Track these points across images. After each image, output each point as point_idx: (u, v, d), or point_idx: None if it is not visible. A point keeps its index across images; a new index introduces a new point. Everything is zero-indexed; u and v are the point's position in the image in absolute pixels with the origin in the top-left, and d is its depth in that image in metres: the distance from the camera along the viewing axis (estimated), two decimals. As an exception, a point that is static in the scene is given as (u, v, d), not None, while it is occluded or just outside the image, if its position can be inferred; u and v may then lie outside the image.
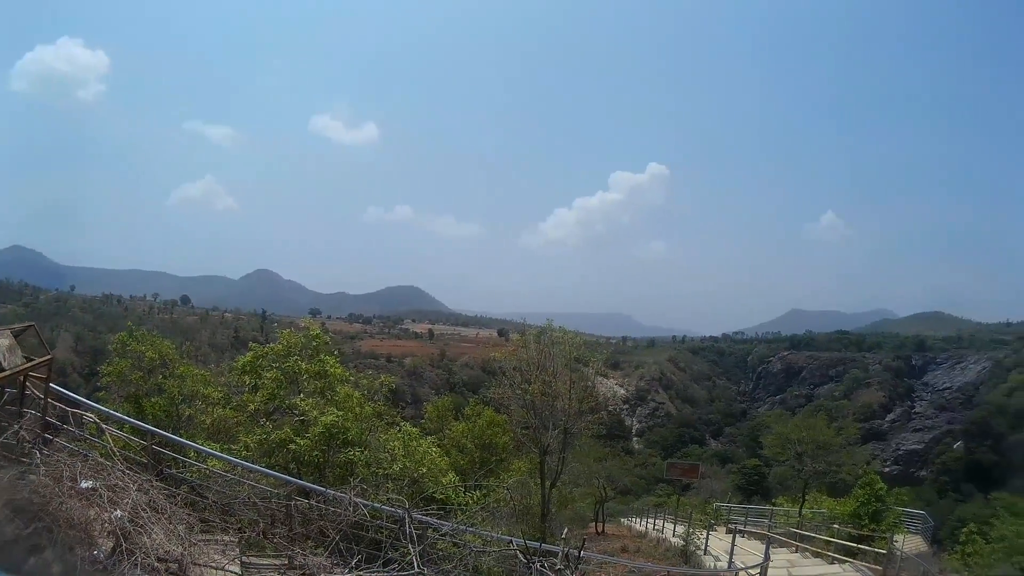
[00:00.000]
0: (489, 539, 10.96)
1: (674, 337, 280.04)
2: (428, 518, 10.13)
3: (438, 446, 18.11)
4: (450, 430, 27.11)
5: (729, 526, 33.10)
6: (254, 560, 7.90)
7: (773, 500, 53.43)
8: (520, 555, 8.75)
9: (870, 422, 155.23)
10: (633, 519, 45.86)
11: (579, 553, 8.84)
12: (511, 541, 10.40)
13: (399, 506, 9.63)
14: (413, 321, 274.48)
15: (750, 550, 25.24)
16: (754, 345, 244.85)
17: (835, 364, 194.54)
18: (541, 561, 8.59)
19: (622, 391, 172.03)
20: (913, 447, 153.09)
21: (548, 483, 21.14)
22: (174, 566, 6.09)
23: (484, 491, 17.46)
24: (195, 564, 6.39)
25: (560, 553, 8.56)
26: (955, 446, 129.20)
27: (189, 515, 7.46)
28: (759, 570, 16.57)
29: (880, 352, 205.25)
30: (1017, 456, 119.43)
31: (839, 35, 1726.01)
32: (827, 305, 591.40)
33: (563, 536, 10.18)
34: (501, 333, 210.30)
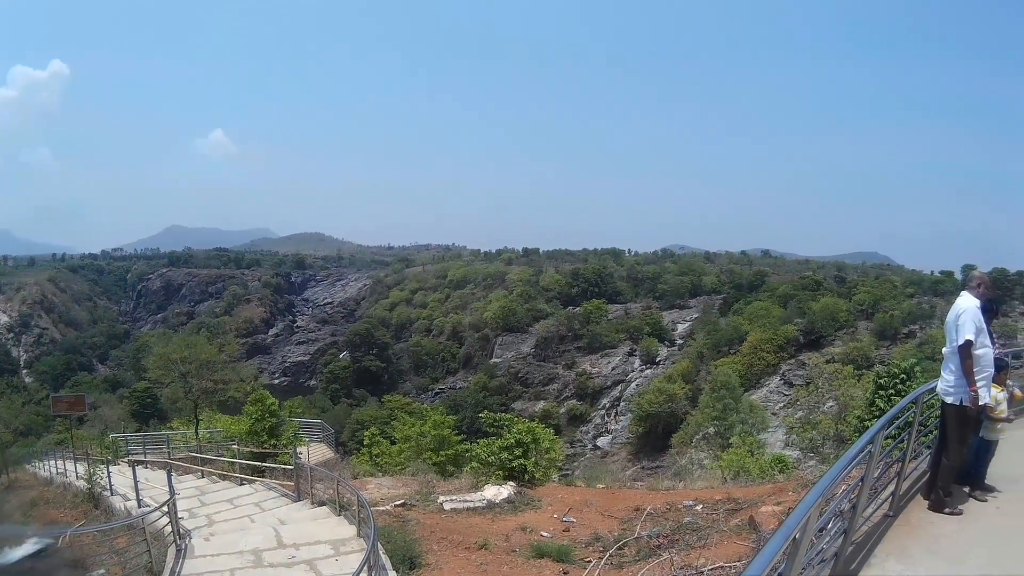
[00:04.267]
0: None
1: (54, 255, 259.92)
2: None
3: None
4: None
5: (129, 458, 31.25)
6: None
7: (169, 424, 52.68)
8: None
9: (253, 337, 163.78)
10: (36, 463, 41.30)
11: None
12: None
13: None
14: None
15: (156, 483, 23.68)
16: (133, 262, 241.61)
17: (215, 281, 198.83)
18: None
19: (5, 318, 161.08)
20: (300, 358, 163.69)
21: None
22: None
23: None
24: None
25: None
26: (341, 355, 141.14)
27: None
28: (168, 506, 15.38)
29: (260, 269, 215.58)
30: (401, 363, 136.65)
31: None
32: (207, 223, 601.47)
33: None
34: None
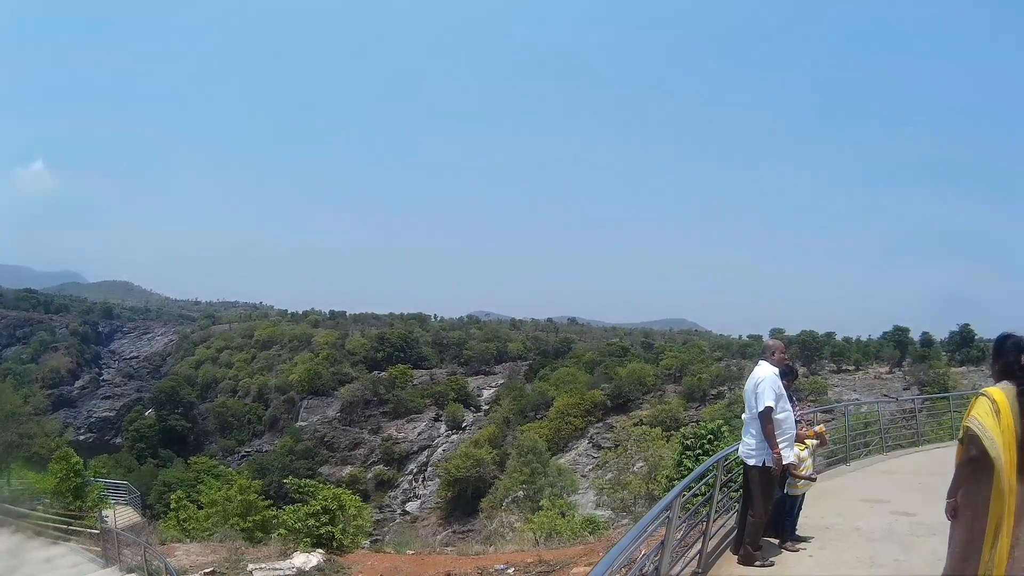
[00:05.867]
0: None
1: None
2: None
3: None
4: None
5: None
6: None
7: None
8: None
9: (59, 388, 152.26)
10: None
11: None
12: None
13: None
14: None
15: None
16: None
17: (23, 324, 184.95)
18: None
19: None
20: (105, 414, 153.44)
21: None
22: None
23: None
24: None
25: None
26: (147, 413, 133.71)
27: None
28: None
29: (68, 315, 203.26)
30: (207, 423, 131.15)
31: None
32: (19, 260, 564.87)
33: None
34: None
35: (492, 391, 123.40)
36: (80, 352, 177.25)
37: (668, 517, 6.94)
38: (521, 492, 51.84)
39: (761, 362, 9.06)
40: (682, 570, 8.11)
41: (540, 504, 37.66)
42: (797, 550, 9.18)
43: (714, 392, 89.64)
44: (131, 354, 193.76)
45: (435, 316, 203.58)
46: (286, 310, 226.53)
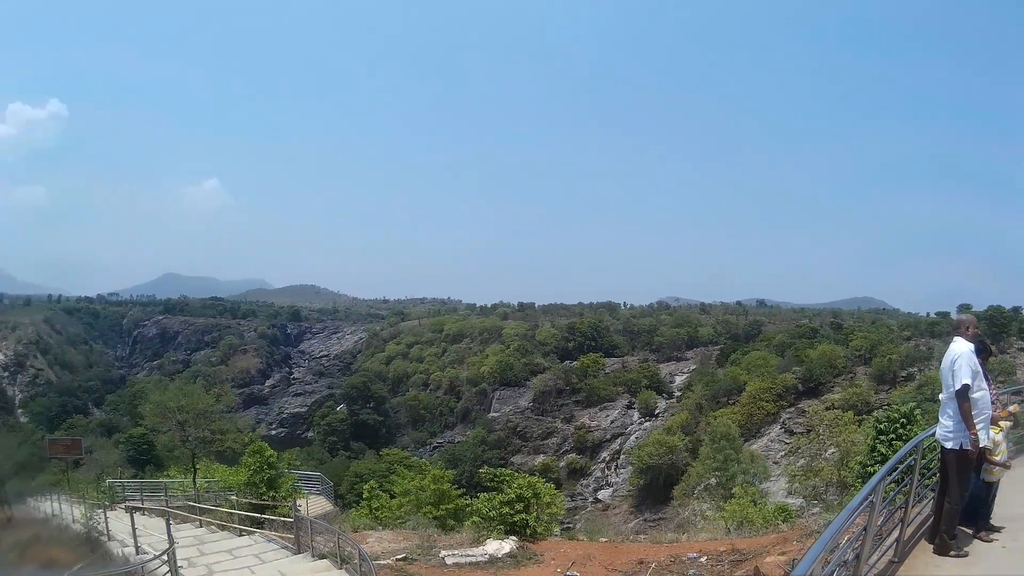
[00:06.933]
0: None
1: (49, 296, 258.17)
2: None
3: None
4: None
5: (126, 504, 30.82)
6: None
7: (166, 471, 51.96)
8: None
9: (250, 387, 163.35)
10: (31, 501, 40.62)
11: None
12: None
13: None
14: None
15: (153, 530, 23.30)
16: (129, 308, 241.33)
17: (210, 330, 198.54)
18: None
19: (1, 356, 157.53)
20: (297, 410, 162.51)
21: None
22: None
23: None
24: None
25: None
26: (338, 408, 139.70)
27: None
28: (168, 554, 15.10)
29: (255, 320, 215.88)
30: (398, 416, 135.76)
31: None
32: (203, 271, 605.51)
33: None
34: None
35: (684, 377, 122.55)
36: (269, 353, 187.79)
37: (872, 503, 6.94)
38: (713, 479, 51.31)
39: (956, 338, 8.79)
40: (879, 558, 8.03)
41: (732, 492, 36.96)
42: (991, 540, 8.91)
43: (904, 374, 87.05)
44: (321, 353, 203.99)
45: (624, 304, 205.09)
46: (475, 304, 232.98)
